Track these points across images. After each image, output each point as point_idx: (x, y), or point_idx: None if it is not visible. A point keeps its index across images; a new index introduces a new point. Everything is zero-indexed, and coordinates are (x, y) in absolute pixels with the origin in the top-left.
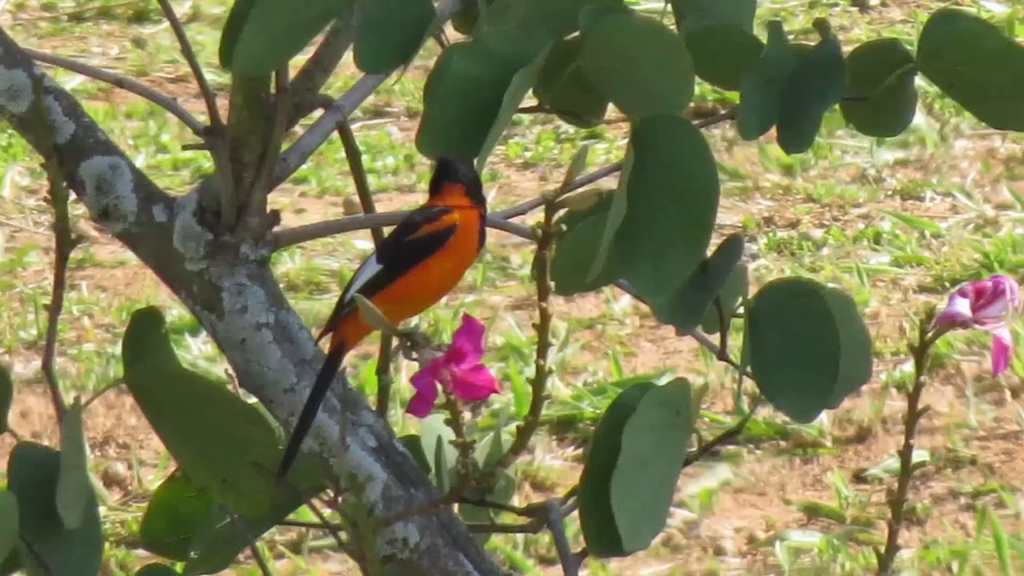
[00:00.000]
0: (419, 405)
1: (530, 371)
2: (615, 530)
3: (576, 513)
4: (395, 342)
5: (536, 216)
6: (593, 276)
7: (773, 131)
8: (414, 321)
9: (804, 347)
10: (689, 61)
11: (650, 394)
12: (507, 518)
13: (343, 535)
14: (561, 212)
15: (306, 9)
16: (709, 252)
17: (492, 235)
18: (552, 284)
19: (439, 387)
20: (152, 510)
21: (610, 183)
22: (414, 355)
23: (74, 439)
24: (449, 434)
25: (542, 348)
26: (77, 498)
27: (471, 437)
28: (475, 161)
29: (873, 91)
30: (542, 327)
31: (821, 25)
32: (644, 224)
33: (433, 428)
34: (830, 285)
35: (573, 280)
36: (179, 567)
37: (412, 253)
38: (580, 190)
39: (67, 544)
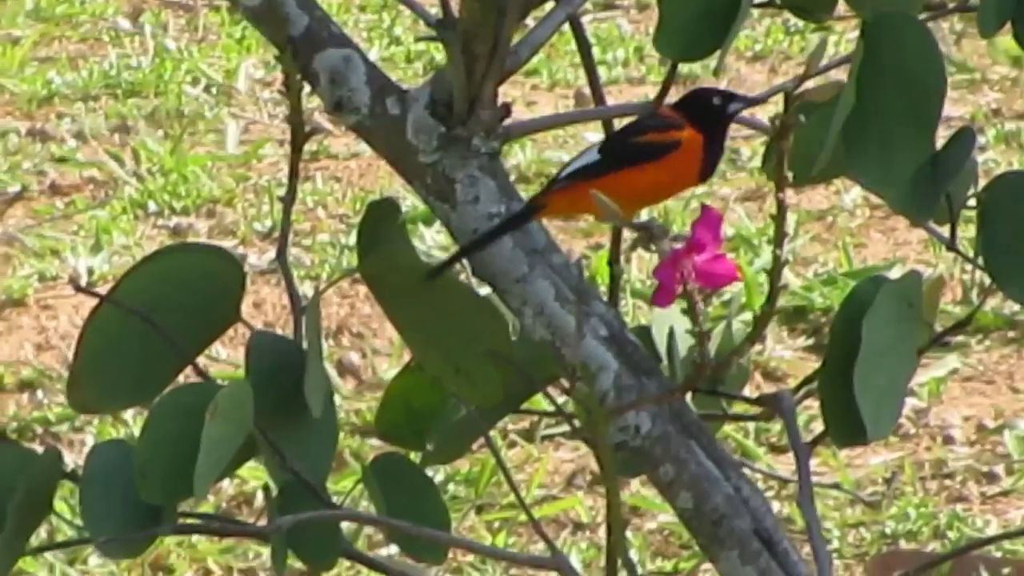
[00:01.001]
0: (662, 296)
1: (761, 262)
2: (856, 420)
3: (806, 403)
4: (627, 233)
5: (767, 109)
6: (819, 167)
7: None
8: (644, 214)
9: None
10: None
11: (886, 287)
12: (739, 407)
13: (576, 423)
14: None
15: None
16: (939, 145)
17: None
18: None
19: (680, 277)
20: (387, 400)
21: (840, 75)
22: (652, 247)
23: (315, 329)
24: (679, 324)
25: (779, 239)
26: (320, 387)
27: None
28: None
29: None
30: (779, 218)
31: None
32: (872, 117)
33: (664, 318)
34: None
35: (804, 172)
36: (413, 456)
37: (632, 154)
38: (818, 84)
39: (303, 433)
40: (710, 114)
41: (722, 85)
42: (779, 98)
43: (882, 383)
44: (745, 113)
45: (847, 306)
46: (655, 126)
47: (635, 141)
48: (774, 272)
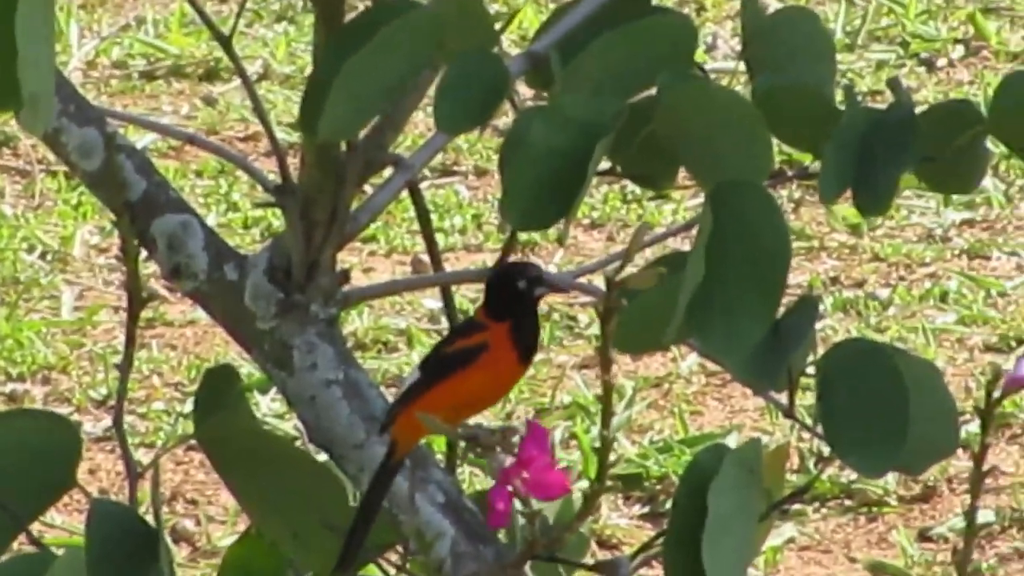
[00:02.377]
0: (496, 517)
1: (597, 430)
2: None
3: (642, 571)
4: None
5: (602, 277)
6: (670, 338)
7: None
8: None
9: (874, 405)
10: (768, 135)
11: (731, 454)
12: (576, 575)
13: None
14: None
15: (389, 73)
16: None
17: (559, 295)
18: (620, 344)
19: (511, 495)
20: (225, 567)
21: (676, 244)
22: (483, 454)
23: (157, 497)
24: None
25: (606, 419)
26: (167, 559)
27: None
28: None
29: (944, 152)
30: (606, 398)
31: (894, 85)
32: (716, 285)
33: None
34: (897, 344)
35: (640, 340)
36: None
37: (445, 365)
38: (643, 271)
39: None
40: (515, 298)
41: (559, 253)
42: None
43: (729, 552)
44: (583, 279)
45: (689, 475)
46: (461, 331)
47: (445, 352)
48: (602, 451)
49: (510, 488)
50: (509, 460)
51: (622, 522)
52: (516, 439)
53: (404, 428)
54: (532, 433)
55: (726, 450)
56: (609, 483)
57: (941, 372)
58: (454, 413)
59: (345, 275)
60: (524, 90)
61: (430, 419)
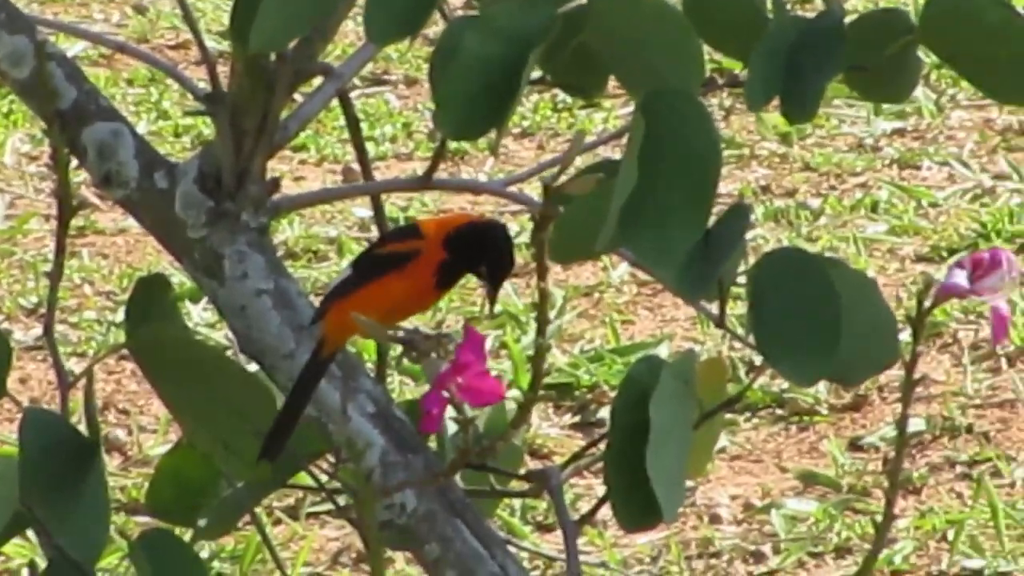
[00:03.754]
0: (429, 422)
1: (527, 339)
2: (643, 502)
3: (573, 481)
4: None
5: (533, 185)
6: (601, 246)
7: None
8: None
9: (806, 313)
10: (698, 43)
11: (668, 367)
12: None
13: (341, 500)
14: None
15: None
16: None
17: (492, 203)
18: (553, 254)
19: (444, 401)
20: (158, 477)
21: (607, 152)
22: (417, 358)
23: (92, 405)
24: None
25: (542, 327)
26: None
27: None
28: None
29: (875, 61)
30: (541, 306)
31: None
32: (648, 194)
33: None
34: (827, 254)
35: (571, 249)
36: (179, 532)
37: (375, 266)
38: (580, 177)
39: (76, 509)
40: (472, 255)
41: (490, 162)
42: (548, 173)
43: (670, 464)
44: (513, 188)
45: (626, 388)
46: (396, 235)
47: (376, 253)
48: (536, 360)
49: (445, 393)
50: (444, 365)
51: (553, 432)
52: (452, 347)
53: (333, 324)
54: (468, 339)
55: (662, 363)
56: (541, 392)
57: (876, 283)
58: (382, 316)
59: (275, 184)
60: None
61: (365, 320)
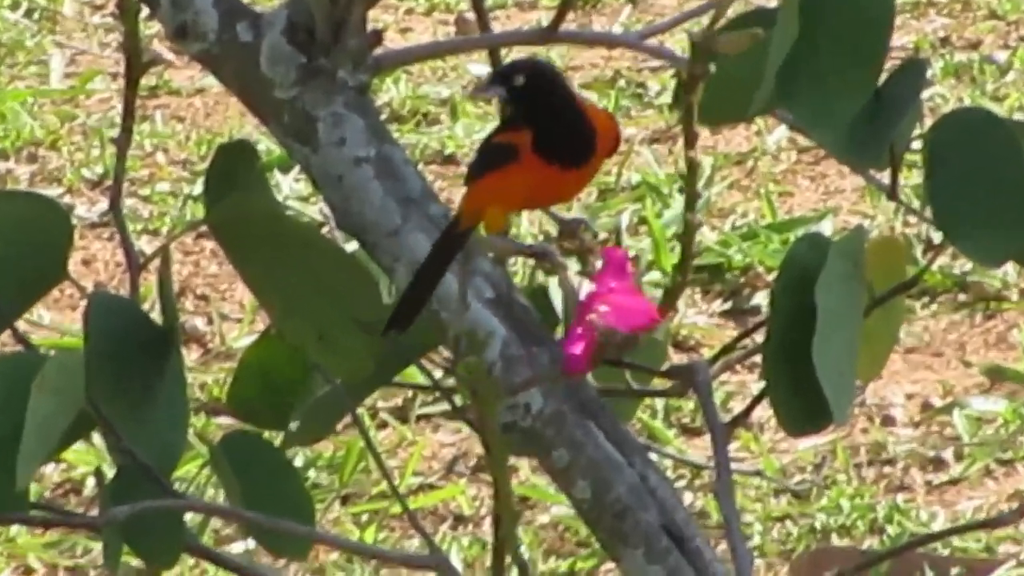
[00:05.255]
0: (575, 362)
1: (671, 213)
2: (810, 401)
3: (724, 377)
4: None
5: (677, 36)
6: (756, 108)
7: None
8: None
9: (989, 183)
10: None
11: (835, 247)
12: (646, 381)
13: (457, 400)
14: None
15: None
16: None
17: (628, 58)
18: (702, 116)
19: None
20: (241, 372)
21: (761, 2)
22: (551, 271)
23: (169, 292)
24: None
25: (690, 201)
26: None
27: None
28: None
29: None
30: (690, 178)
31: None
32: (809, 47)
33: (569, 274)
34: (1017, 115)
35: (721, 111)
36: (268, 437)
37: (485, 159)
38: (733, 31)
39: (150, 409)
40: (523, 103)
41: (627, 10)
42: (698, 22)
43: (840, 359)
44: (653, 40)
45: (786, 269)
46: (509, 123)
47: (488, 142)
48: (686, 239)
49: (592, 319)
50: (586, 286)
51: (700, 320)
52: (588, 237)
53: (469, 204)
54: (610, 260)
55: (827, 240)
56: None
57: None
58: (510, 208)
59: (377, 36)
60: None
61: (486, 239)
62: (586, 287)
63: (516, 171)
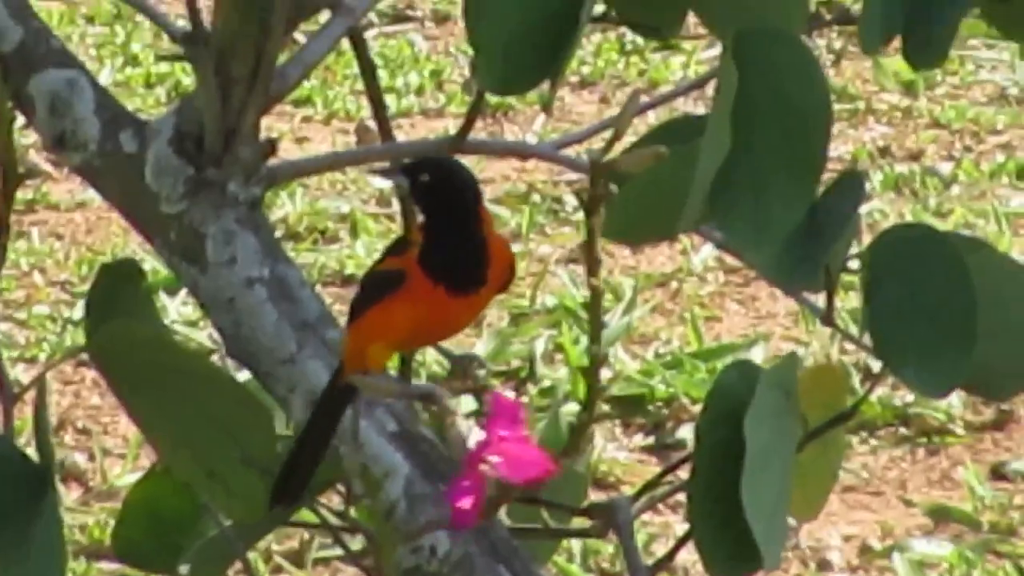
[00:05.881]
0: (463, 517)
1: (587, 341)
2: (738, 544)
3: (646, 517)
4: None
5: (596, 145)
6: (687, 223)
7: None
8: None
9: (933, 307)
10: None
11: (766, 375)
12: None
13: (355, 543)
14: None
15: None
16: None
17: (543, 170)
18: (612, 233)
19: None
20: (126, 512)
21: (687, 106)
22: (437, 411)
23: (45, 427)
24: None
25: (595, 331)
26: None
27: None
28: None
29: None
30: (593, 306)
31: None
32: (743, 157)
33: (462, 421)
34: (962, 232)
35: (641, 227)
36: None
37: (372, 288)
38: (635, 152)
39: (21, 556)
40: (426, 206)
41: (541, 118)
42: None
43: (771, 498)
44: (570, 151)
45: (713, 401)
46: (396, 247)
47: (374, 271)
48: (591, 373)
49: (480, 472)
50: (475, 433)
51: (621, 456)
52: (480, 372)
53: (350, 351)
54: (499, 408)
55: (757, 369)
56: (604, 408)
57: None
58: (398, 345)
59: (272, 146)
60: None
61: (365, 380)
62: (477, 433)
63: (400, 299)
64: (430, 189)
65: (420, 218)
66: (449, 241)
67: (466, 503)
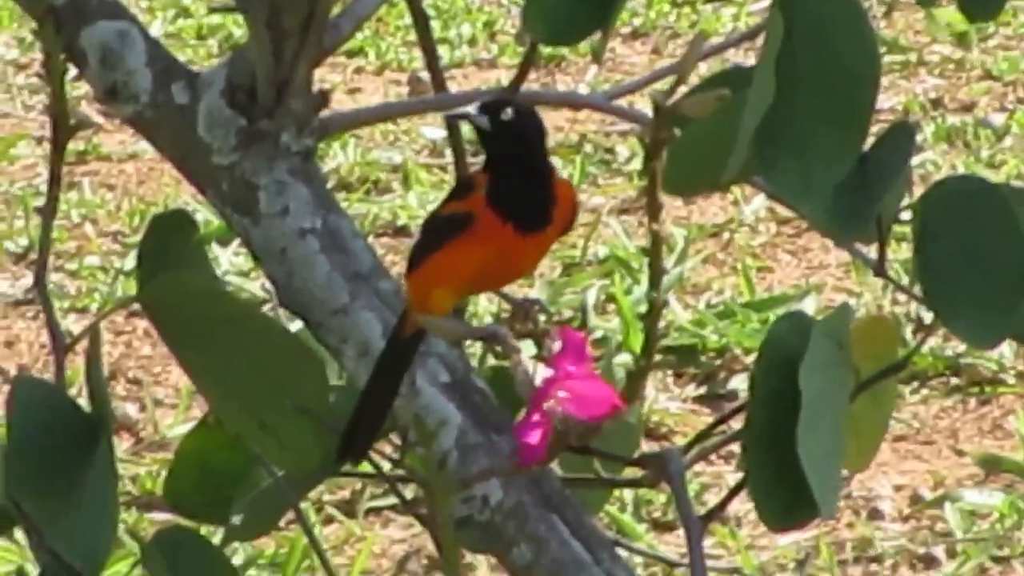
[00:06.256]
0: (530, 451)
1: (641, 290)
2: (791, 493)
3: (698, 467)
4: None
5: (647, 97)
6: (730, 176)
7: None
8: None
9: (984, 259)
10: None
11: (819, 327)
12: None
13: (408, 493)
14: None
15: None
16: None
17: (595, 121)
18: (668, 184)
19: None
20: (178, 463)
21: (738, 57)
22: (502, 353)
23: (99, 377)
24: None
25: (655, 278)
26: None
27: None
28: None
29: None
30: (654, 253)
31: None
32: (787, 109)
33: (523, 359)
34: (1014, 183)
35: (694, 178)
36: (207, 532)
37: (437, 232)
38: (699, 93)
39: (75, 504)
40: (490, 147)
41: (593, 69)
42: (669, 82)
43: (826, 448)
44: (622, 101)
45: (766, 352)
46: (461, 187)
47: (438, 214)
48: (651, 321)
49: (548, 406)
50: (540, 372)
51: (673, 406)
52: (540, 317)
53: (414, 298)
54: (568, 343)
55: (810, 320)
56: (658, 358)
57: None
58: (462, 288)
59: (324, 97)
60: None
61: (428, 319)
62: (542, 372)
63: (468, 240)
64: (509, 127)
65: (480, 163)
66: (519, 180)
67: (534, 438)
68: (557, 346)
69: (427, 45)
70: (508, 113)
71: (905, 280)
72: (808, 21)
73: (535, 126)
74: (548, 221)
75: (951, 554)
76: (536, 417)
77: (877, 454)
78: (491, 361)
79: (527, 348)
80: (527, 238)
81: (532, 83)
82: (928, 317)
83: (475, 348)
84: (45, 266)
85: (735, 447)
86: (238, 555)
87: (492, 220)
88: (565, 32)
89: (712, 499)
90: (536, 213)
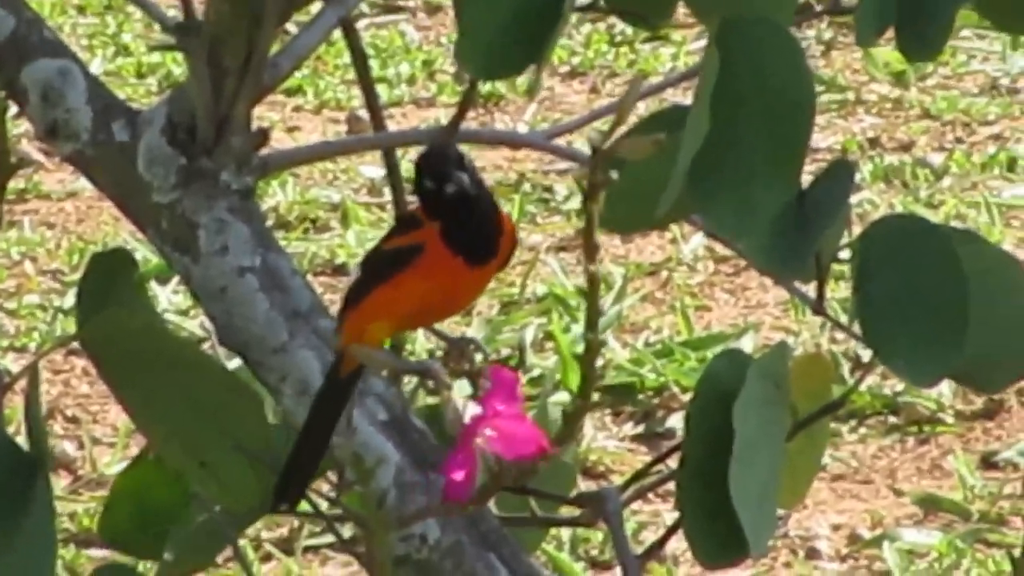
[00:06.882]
0: (455, 488)
1: (579, 328)
2: (726, 532)
3: (635, 506)
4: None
5: (586, 135)
6: (664, 210)
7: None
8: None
9: (923, 297)
10: None
11: (755, 366)
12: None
13: (346, 531)
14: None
15: None
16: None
17: (533, 159)
18: (606, 222)
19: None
20: (115, 499)
21: (677, 96)
22: (435, 389)
23: (37, 415)
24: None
25: (592, 318)
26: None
27: None
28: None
29: None
30: (591, 293)
31: None
32: (724, 143)
33: (458, 397)
34: (953, 223)
35: (633, 217)
36: (143, 569)
37: (382, 266)
38: (636, 135)
39: (12, 543)
40: (432, 199)
41: (532, 107)
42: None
43: (759, 485)
44: (560, 140)
45: (702, 390)
46: (403, 224)
47: (382, 249)
48: (587, 360)
49: (474, 444)
50: (470, 408)
51: (610, 444)
52: (476, 356)
53: (348, 332)
54: (497, 381)
55: (747, 358)
56: (595, 397)
57: (1018, 262)
58: (402, 323)
59: (264, 135)
60: None
61: (364, 351)
62: (473, 410)
63: (413, 273)
64: (456, 194)
65: (417, 202)
66: (468, 214)
67: (459, 475)
68: (487, 384)
69: (366, 84)
70: (451, 187)
71: (844, 318)
72: (745, 56)
73: (474, 175)
74: (495, 253)
75: None
76: (462, 455)
77: (815, 493)
78: (424, 399)
79: (463, 387)
80: (473, 271)
81: (471, 122)
82: (866, 356)
83: (411, 385)
84: None
85: (673, 485)
86: None
87: (442, 252)
88: (498, 66)
89: (650, 537)
90: (485, 245)
